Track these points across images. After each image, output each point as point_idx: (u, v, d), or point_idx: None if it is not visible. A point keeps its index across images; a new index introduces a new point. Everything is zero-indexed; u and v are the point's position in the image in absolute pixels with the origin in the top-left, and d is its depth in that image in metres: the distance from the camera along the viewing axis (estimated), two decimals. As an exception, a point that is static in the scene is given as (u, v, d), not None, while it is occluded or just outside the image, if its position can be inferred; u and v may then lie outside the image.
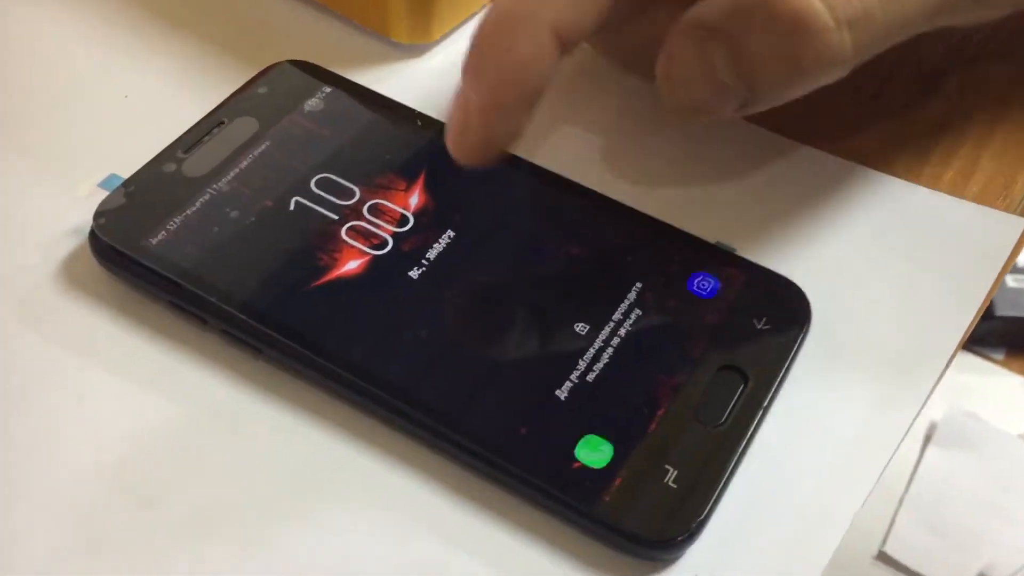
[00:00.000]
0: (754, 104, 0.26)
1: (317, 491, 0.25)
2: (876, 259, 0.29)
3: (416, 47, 0.34)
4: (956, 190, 0.30)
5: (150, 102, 0.33)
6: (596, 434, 0.24)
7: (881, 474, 0.25)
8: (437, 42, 0.34)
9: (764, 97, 0.25)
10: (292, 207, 0.28)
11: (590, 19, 0.24)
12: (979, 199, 0.30)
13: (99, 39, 0.34)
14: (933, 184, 0.31)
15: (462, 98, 0.25)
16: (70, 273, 0.28)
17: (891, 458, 0.26)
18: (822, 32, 0.24)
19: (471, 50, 0.24)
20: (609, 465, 0.24)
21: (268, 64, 0.32)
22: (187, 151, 0.29)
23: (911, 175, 0.31)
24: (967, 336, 0.28)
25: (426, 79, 0.33)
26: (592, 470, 0.24)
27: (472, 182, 0.29)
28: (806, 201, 0.30)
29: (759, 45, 0.24)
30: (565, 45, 0.24)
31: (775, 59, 0.24)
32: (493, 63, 0.24)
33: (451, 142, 0.25)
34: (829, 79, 0.25)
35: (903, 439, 0.26)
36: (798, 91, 0.25)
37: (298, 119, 0.30)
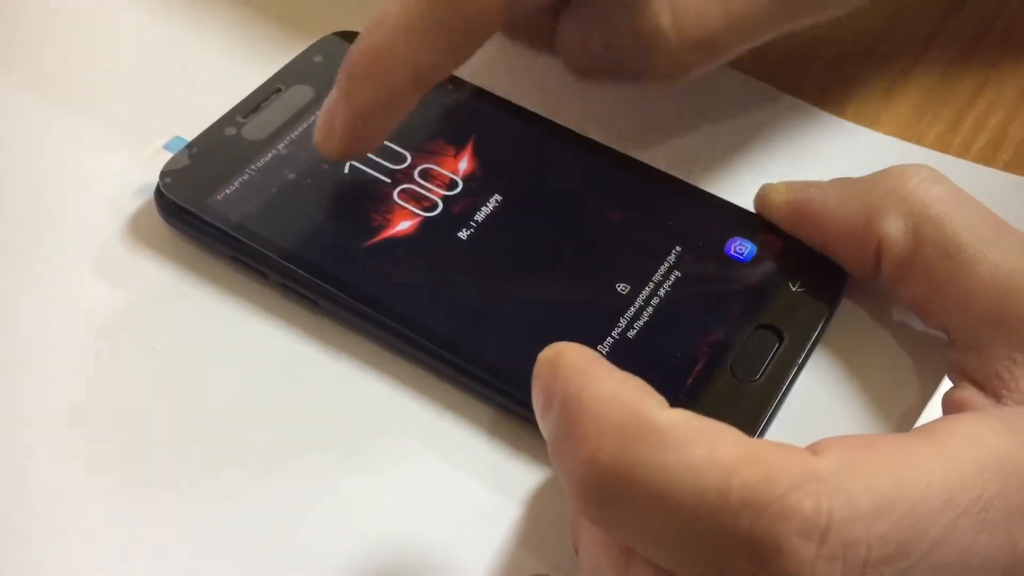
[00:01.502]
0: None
1: (376, 437, 0.26)
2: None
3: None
4: (986, 159, 0.31)
5: (206, 72, 0.34)
6: (637, 386, 0.26)
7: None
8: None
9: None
10: (346, 170, 0.30)
11: (450, 65, 0.27)
12: (1008, 168, 0.31)
13: (158, 13, 0.36)
14: (963, 154, 0.32)
15: (332, 103, 0.27)
16: (137, 230, 0.30)
17: (917, 423, 0.27)
18: (672, 50, 0.27)
19: (344, 67, 0.26)
20: (649, 416, 0.25)
21: (311, 33, 0.33)
22: (246, 116, 0.31)
23: (940, 146, 0.32)
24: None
25: None
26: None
27: (518, 149, 0.31)
28: (837, 172, 0.31)
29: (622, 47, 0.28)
30: (424, 86, 0.26)
31: (638, 61, 0.28)
32: (358, 93, 0.26)
33: (316, 138, 0.27)
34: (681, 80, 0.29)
35: (931, 400, 0.27)
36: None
37: (352, 87, 0.32)
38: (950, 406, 0.25)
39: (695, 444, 0.19)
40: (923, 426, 0.21)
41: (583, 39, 0.28)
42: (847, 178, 0.27)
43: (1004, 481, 0.19)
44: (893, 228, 0.26)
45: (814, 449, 0.19)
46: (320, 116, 0.27)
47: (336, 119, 0.26)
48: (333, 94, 0.27)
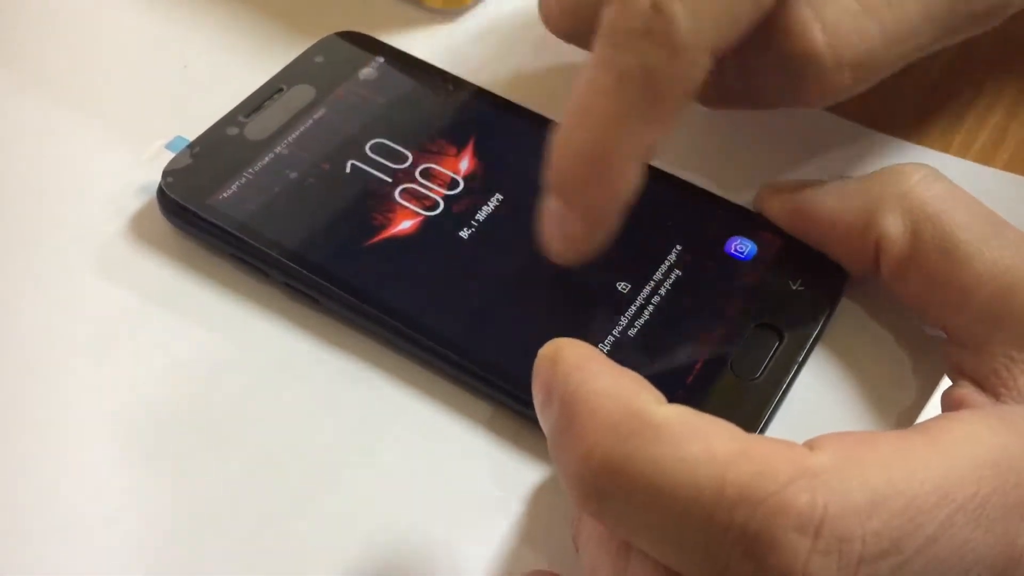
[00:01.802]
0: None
1: (376, 435, 0.26)
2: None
3: (449, 12, 0.36)
4: (986, 158, 0.32)
5: (208, 71, 0.34)
6: (637, 385, 0.26)
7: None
8: (469, 7, 0.36)
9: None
10: (348, 170, 0.30)
11: (674, 123, 0.24)
12: (1008, 167, 0.31)
13: (159, 12, 0.36)
14: (963, 153, 0.32)
15: (557, 214, 0.25)
16: (139, 228, 0.30)
17: (917, 421, 0.27)
18: (825, 73, 0.26)
19: (560, 171, 0.25)
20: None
21: (313, 33, 0.33)
22: (248, 116, 0.31)
23: (941, 144, 0.32)
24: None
25: (459, 43, 0.35)
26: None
27: (519, 149, 0.31)
28: (838, 172, 0.31)
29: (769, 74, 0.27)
30: (645, 162, 0.25)
31: (781, 87, 0.27)
32: (592, 196, 0.24)
33: (553, 251, 0.26)
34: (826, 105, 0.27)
35: (930, 398, 0.27)
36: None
37: (353, 87, 0.32)
38: (949, 404, 0.25)
39: (691, 439, 0.19)
40: (921, 423, 0.21)
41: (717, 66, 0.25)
42: (846, 177, 0.28)
43: (1000, 478, 0.19)
44: (891, 226, 0.26)
45: (810, 445, 0.19)
46: (546, 228, 0.26)
47: (569, 227, 0.25)
48: (552, 205, 0.25)
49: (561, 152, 0.24)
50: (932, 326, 0.26)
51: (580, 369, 0.20)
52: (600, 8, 0.24)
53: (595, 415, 0.19)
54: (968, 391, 0.24)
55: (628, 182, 0.24)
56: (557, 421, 0.20)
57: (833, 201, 0.27)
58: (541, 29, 0.30)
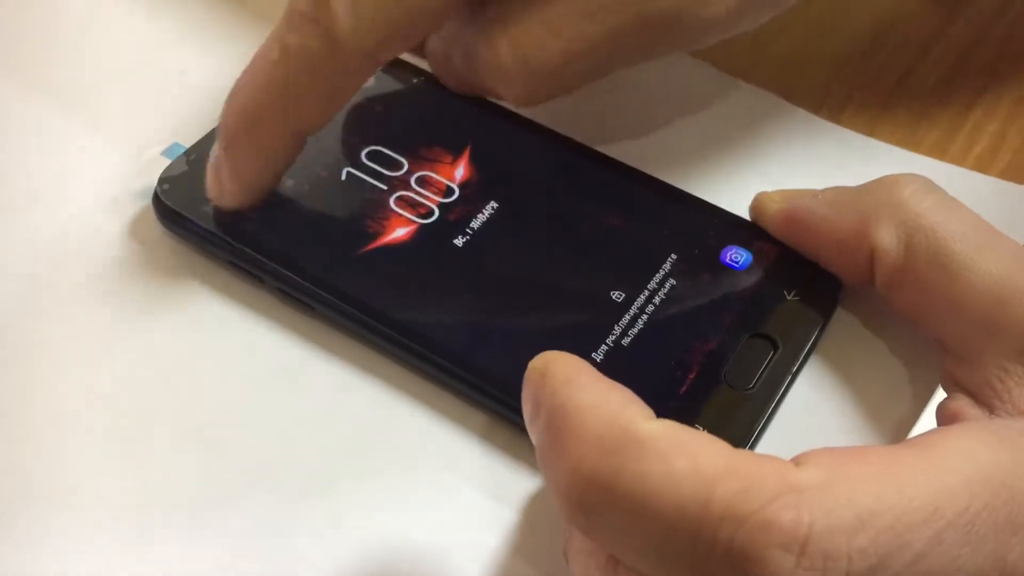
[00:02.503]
0: None
1: (369, 443, 0.26)
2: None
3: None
4: (982, 166, 0.31)
5: (205, 77, 0.34)
6: (630, 394, 0.26)
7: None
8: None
9: None
10: (344, 177, 0.30)
11: (328, 117, 0.28)
12: (1005, 175, 0.31)
13: (157, 18, 0.36)
14: (959, 161, 0.32)
15: (216, 159, 0.28)
16: (135, 234, 0.30)
17: (910, 433, 0.27)
18: (511, 80, 0.28)
19: (222, 126, 0.28)
20: (642, 423, 0.25)
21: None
22: (245, 122, 0.31)
23: (937, 152, 0.32)
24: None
25: None
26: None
27: (515, 157, 0.31)
28: (834, 180, 0.31)
29: None
30: (304, 139, 0.28)
31: (484, 79, 0.29)
32: (240, 152, 0.28)
33: (209, 191, 0.29)
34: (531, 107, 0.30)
35: (924, 413, 0.27)
36: None
37: (349, 93, 0.32)
38: (943, 417, 0.25)
39: (676, 455, 0.19)
40: (912, 438, 0.21)
41: (445, 53, 0.29)
42: (841, 187, 0.28)
43: (992, 494, 0.19)
44: (885, 237, 0.26)
45: (797, 461, 0.19)
46: (208, 168, 0.28)
47: (223, 173, 0.28)
48: (216, 149, 0.28)
49: (228, 104, 0.27)
50: (928, 336, 0.26)
51: (568, 383, 0.20)
52: None
53: (581, 429, 0.19)
54: (962, 404, 0.24)
55: (277, 150, 0.28)
56: (544, 434, 0.20)
57: (827, 210, 0.27)
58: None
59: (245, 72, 0.27)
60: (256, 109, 0.27)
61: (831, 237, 0.27)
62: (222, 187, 0.28)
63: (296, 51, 0.26)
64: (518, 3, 0.27)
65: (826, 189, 0.28)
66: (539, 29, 0.27)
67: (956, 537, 0.18)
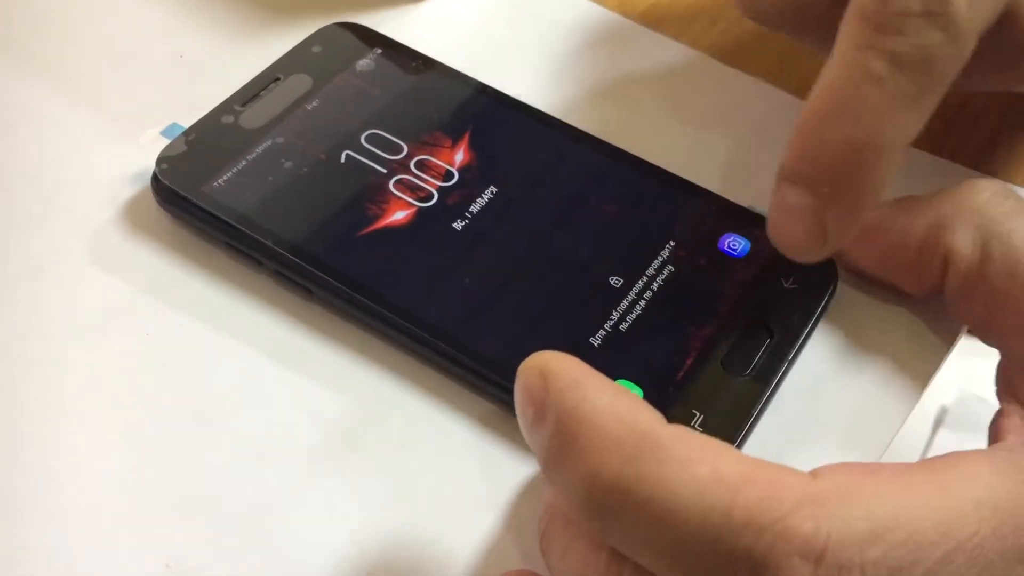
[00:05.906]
0: None
1: (368, 426, 0.26)
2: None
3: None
4: (977, 163, 0.32)
5: (205, 60, 0.34)
6: (627, 379, 0.26)
7: (894, 438, 0.27)
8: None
9: None
10: (343, 160, 0.30)
11: (923, 123, 0.24)
12: (1000, 173, 0.31)
13: (157, 0, 0.36)
14: (955, 157, 0.32)
15: (798, 206, 0.24)
16: (133, 215, 0.30)
17: (903, 423, 0.27)
18: None
19: (813, 165, 0.24)
20: (639, 408, 0.25)
21: (311, 22, 0.34)
22: (244, 104, 0.31)
23: (933, 148, 0.32)
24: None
25: (423, 24, 0.35)
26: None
27: (514, 142, 0.31)
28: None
29: None
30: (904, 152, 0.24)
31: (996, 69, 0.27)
32: (854, 187, 0.24)
33: (790, 245, 0.25)
34: None
35: (920, 396, 0.27)
36: None
37: (350, 77, 0.32)
38: (994, 435, 0.24)
39: (698, 461, 0.19)
40: (926, 460, 0.21)
41: None
42: (909, 196, 0.27)
43: (999, 521, 0.19)
44: (961, 241, 0.25)
45: (814, 473, 0.20)
46: (784, 219, 0.25)
47: (830, 219, 0.24)
48: (796, 196, 0.24)
49: (818, 141, 0.24)
50: (989, 345, 0.26)
51: (578, 386, 0.20)
52: None
53: (599, 434, 0.19)
54: (1015, 422, 0.23)
55: (889, 176, 0.24)
56: (553, 439, 0.20)
57: (901, 217, 0.27)
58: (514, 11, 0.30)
59: (825, 98, 0.24)
60: (868, 136, 0.23)
61: (905, 243, 0.26)
62: (816, 233, 0.24)
63: (913, 54, 0.23)
64: None
65: (892, 200, 0.27)
66: None
67: (965, 560, 0.19)
